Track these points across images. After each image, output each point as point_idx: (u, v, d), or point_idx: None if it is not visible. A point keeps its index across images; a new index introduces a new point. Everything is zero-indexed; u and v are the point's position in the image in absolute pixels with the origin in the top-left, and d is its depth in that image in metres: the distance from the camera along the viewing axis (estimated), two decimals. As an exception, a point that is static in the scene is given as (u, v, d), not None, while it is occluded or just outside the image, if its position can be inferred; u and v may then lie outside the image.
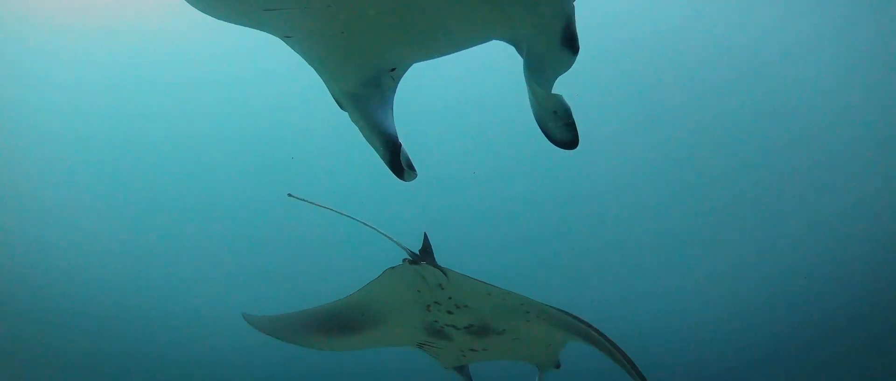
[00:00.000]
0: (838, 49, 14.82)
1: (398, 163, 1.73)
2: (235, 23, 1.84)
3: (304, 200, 3.26)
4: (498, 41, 1.84)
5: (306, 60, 1.84)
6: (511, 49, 1.86)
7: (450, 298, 3.41)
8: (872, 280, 18.60)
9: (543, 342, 4.07)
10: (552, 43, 1.75)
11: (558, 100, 1.82)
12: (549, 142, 1.96)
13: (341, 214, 3.49)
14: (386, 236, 3.10)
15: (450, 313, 3.53)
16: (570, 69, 1.87)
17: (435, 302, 3.44)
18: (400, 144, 1.75)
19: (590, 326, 3.35)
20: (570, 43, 1.74)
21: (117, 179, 17.52)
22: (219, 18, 1.79)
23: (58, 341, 16.88)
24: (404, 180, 1.78)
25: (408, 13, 1.66)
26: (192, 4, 1.76)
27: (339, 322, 3.73)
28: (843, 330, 19.69)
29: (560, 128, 1.84)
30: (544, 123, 1.86)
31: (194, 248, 18.14)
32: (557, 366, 4.46)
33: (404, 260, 3.15)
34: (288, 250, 18.37)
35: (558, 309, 3.43)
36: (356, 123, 1.83)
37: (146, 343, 18.70)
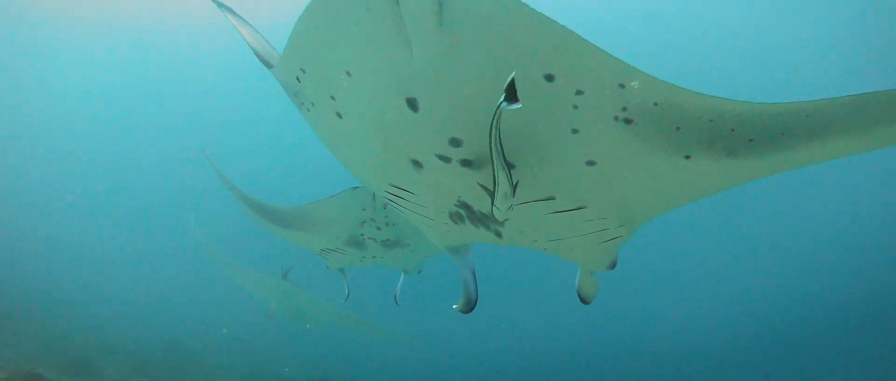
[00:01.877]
0: (839, 51, 14.95)
1: (475, 290, 2.14)
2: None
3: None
4: None
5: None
6: None
7: (386, 216, 3.68)
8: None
9: (423, 255, 4.64)
10: (600, 266, 2.38)
11: (596, 282, 2.51)
12: None
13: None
14: None
15: (378, 229, 3.83)
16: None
17: (371, 219, 3.68)
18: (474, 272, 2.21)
19: None
20: (612, 267, 2.39)
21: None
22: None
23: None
24: (464, 312, 2.14)
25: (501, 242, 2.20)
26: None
27: (278, 217, 3.80)
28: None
29: (592, 296, 2.55)
30: (583, 293, 2.56)
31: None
32: (419, 271, 5.15)
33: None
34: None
35: None
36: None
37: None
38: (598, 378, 21.40)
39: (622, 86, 1.42)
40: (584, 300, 2.57)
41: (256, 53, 2.11)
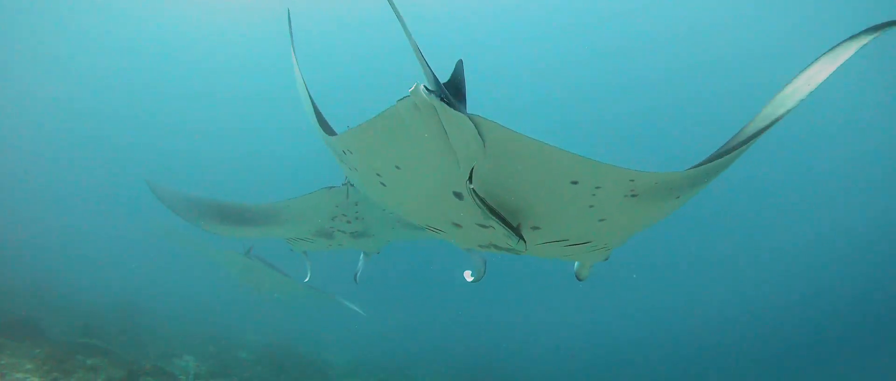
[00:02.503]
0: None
1: (484, 271, 2.71)
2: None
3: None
4: None
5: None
6: None
7: (357, 212, 3.61)
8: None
9: (385, 241, 4.62)
10: (596, 261, 2.85)
11: (591, 269, 2.99)
12: None
13: None
14: None
15: (348, 222, 3.76)
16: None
17: (343, 214, 3.60)
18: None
19: None
20: (606, 259, 2.84)
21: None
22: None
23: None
24: (474, 280, 2.70)
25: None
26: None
27: (241, 217, 3.64)
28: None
29: (586, 277, 3.01)
30: (581, 276, 3.02)
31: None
32: (378, 252, 5.15)
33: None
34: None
35: None
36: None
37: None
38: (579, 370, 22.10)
39: (632, 180, 1.81)
40: (579, 279, 3.09)
41: (315, 116, 2.27)
